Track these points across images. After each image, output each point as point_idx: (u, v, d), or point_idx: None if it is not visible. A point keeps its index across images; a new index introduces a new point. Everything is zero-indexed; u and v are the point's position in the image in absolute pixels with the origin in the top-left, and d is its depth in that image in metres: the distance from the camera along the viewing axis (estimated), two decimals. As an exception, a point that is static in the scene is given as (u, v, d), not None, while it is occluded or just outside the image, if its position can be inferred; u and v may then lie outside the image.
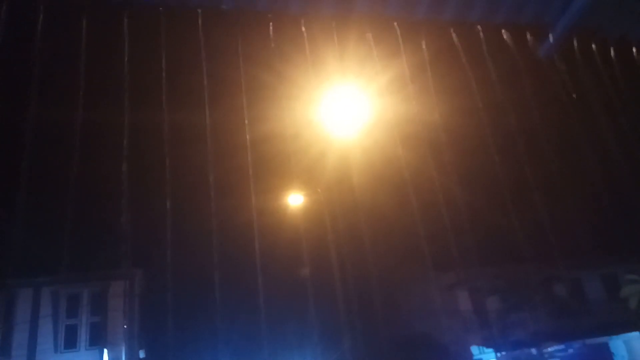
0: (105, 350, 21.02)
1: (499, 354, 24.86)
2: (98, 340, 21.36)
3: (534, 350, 24.55)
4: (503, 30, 9.91)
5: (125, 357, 21.33)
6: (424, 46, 11.60)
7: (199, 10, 12.43)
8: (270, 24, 11.86)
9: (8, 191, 20.84)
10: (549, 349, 24.75)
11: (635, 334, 26.14)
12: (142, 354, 23.35)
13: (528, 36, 9.98)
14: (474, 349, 26.09)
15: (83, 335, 21.43)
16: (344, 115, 17.47)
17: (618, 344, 27.15)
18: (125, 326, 21.77)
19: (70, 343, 21.21)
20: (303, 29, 11.95)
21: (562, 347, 25.02)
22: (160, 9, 12.88)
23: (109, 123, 19.44)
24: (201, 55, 14.88)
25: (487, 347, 25.37)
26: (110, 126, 19.55)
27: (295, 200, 22.26)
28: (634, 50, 9.88)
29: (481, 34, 10.33)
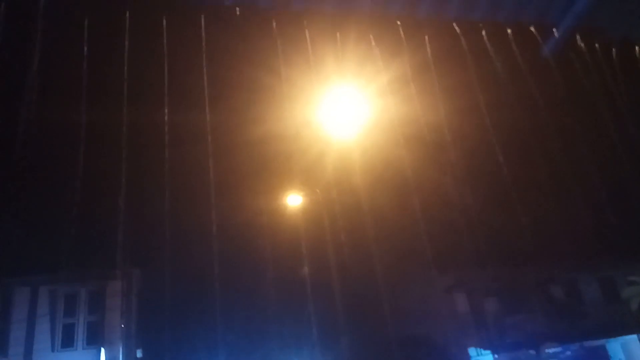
0: (103, 350, 20.93)
1: (496, 356, 24.83)
2: (95, 339, 21.27)
3: (531, 352, 24.53)
4: (506, 29, 9.93)
5: (123, 356, 21.24)
6: (427, 45, 11.61)
7: (202, 14, 12.45)
8: (274, 22, 11.87)
9: (7, 190, 20.77)
10: (547, 351, 24.73)
11: (632, 336, 26.17)
12: (139, 354, 23.24)
13: (532, 35, 10.00)
14: (472, 351, 26.06)
15: (80, 334, 21.33)
16: (344, 115, 17.45)
17: (615, 346, 27.18)
18: (122, 325, 21.68)
19: (68, 342, 21.11)
20: (306, 29, 11.96)
21: (559, 349, 25.01)
22: (163, 7, 12.90)
23: (109, 122, 19.40)
24: (202, 54, 14.89)
25: (485, 348, 25.34)
26: (110, 125, 19.51)
27: (294, 200, 22.22)
28: (637, 49, 9.91)
29: (484, 32, 10.33)
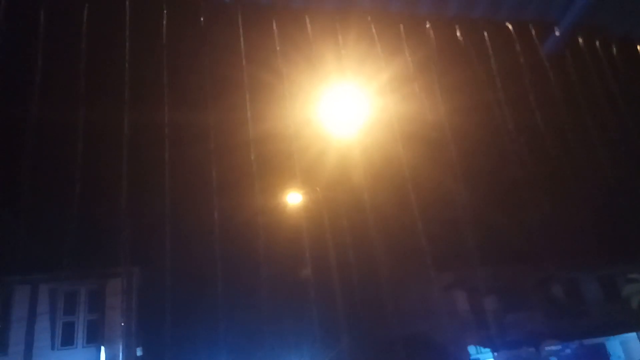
0: (103, 348, 20.93)
1: (496, 354, 24.88)
2: (95, 337, 21.27)
3: (531, 350, 24.58)
4: (507, 27, 9.91)
5: (123, 355, 21.24)
6: (428, 43, 11.58)
7: (202, 11, 12.38)
8: (274, 19, 11.80)
9: (8, 189, 20.76)
10: (546, 349, 24.79)
11: (632, 334, 26.23)
12: (139, 352, 23.26)
13: (532, 33, 9.98)
14: (471, 349, 26.12)
15: (80, 332, 21.34)
16: (345, 113, 17.44)
17: (615, 344, 27.25)
18: (122, 324, 21.68)
19: (68, 340, 21.12)
20: (307, 26, 11.91)
21: (559, 347, 25.07)
22: (163, 4, 12.82)
23: (109, 120, 19.38)
24: (203, 52, 14.79)
25: (485, 346, 25.40)
26: (110, 123, 19.48)
27: (294, 199, 22.21)
28: (639, 48, 9.91)
29: (485, 30, 10.33)
